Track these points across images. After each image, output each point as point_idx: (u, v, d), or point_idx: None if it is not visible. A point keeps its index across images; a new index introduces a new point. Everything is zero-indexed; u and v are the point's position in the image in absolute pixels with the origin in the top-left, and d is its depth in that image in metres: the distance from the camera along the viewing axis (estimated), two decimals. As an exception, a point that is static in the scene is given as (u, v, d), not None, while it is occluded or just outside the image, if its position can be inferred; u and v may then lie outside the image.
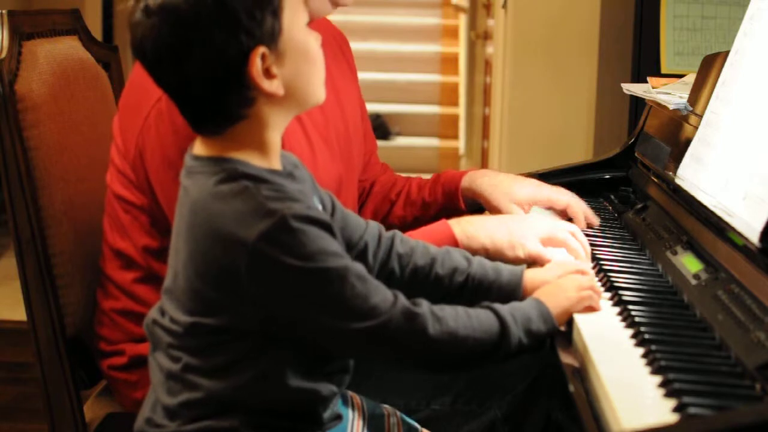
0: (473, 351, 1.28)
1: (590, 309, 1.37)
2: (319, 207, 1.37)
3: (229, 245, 1.21)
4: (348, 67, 1.89)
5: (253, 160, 1.26)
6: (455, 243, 1.57)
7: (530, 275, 1.46)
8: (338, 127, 1.76)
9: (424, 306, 1.28)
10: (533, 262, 1.57)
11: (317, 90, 1.31)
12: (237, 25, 1.20)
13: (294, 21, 1.26)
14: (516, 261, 1.57)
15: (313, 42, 1.29)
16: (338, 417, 1.38)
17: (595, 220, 1.79)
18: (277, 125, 1.29)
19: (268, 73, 1.24)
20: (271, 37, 1.23)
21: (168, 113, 1.50)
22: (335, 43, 1.87)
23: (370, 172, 1.97)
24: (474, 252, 1.55)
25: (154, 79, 1.27)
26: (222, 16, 1.20)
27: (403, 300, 1.26)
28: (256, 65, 1.22)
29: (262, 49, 1.22)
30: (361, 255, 1.43)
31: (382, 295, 1.25)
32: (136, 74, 1.59)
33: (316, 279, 1.21)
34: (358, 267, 1.25)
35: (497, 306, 1.32)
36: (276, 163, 1.30)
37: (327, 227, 1.24)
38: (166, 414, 1.31)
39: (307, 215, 1.22)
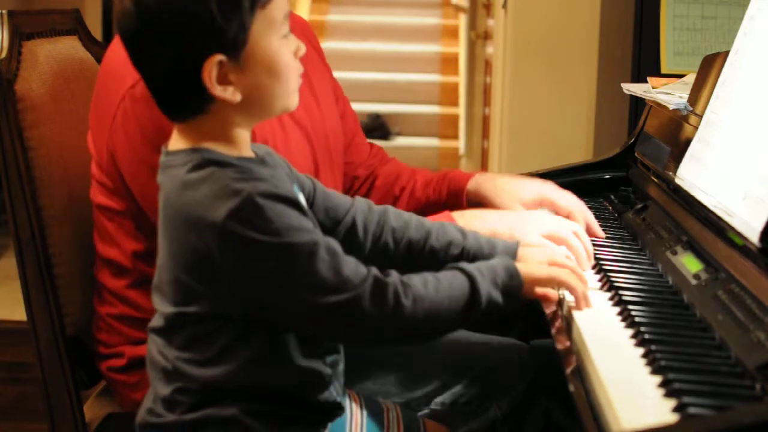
0: (449, 311, 1.30)
1: (572, 289, 1.37)
2: (300, 193, 1.38)
3: (200, 230, 1.23)
4: (315, 52, 1.88)
5: (220, 149, 1.29)
6: None
7: (524, 252, 1.47)
8: (311, 109, 1.75)
9: (394, 275, 1.29)
10: None
11: (285, 99, 1.32)
12: (197, 29, 1.23)
13: (265, 35, 1.27)
14: None
15: (285, 56, 1.29)
16: (340, 407, 1.39)
17: (599, 233, 1.73)
18: (242, 125, 1.31)
19: (225, 79, 1.26)
20: (233, 47, 1.25)
21: (132, 112, 1.52)
22: (301, 32, 1.87)
23: (357, 154, 1.94)
24: None
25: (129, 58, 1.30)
26: (183, 20, 1.22)
27: (375, 273, 1.28)
28: (209, 72, 1.24)
29: (219, 57, 1.24)
30: (350, 231, 1.45)
31: (353, 268, 1.26)
32: (98, 85, 1.62)
33: (285, 254, 1.23)
34: (330, 241, 1.27)
35: (462, 264, 1.35)
36: (246, 153, 1.32)
37: (294, 204, 1.26)
38: (164, 405, 1.32)
39: (272, 192, 1.24)
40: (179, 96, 1.28)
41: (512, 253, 1.45)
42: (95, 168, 1.63)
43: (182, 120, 1.30)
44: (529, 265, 1.38)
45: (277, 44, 1.28)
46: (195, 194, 1.24)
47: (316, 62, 1.86)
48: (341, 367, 1.39)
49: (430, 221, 1.49)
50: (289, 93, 1.32)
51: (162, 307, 1.32)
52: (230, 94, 1.26)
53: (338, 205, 1.46)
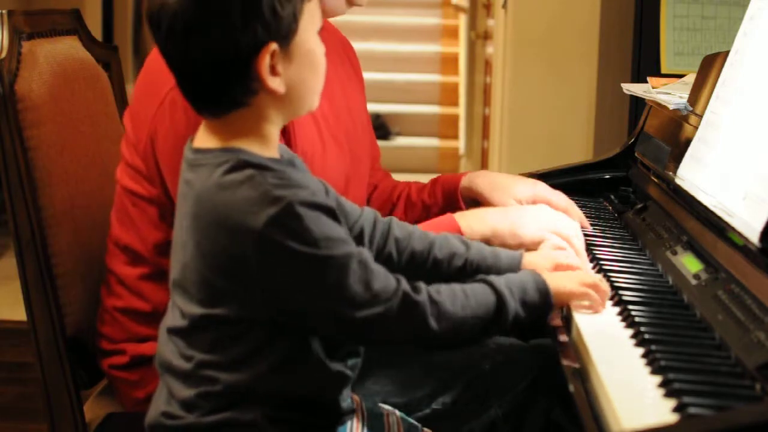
0: (473, 328, 1.31)
1: (591, 307, 1.38)
2: None
3: (237, 234, 1.22)
4: (354, 72, 1.91)
5: (254, 149, 1.28)
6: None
7: (528, 258, 1.48)
8: (348, 126, 1.77)
9: (423, 292, 1.29)
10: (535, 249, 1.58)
11: (314, 97, 1.34)
12: (258, 16, 1.23)
13: (308, 27, 1.29)
14: (518, 249, 1.57)
15: (320, 51, 1.32)
16: (352, 411, 1.40)
17: (588, 227, 1.77)
18: (275, 121, 1.31)
19: (273, 70, 1.26)
20: (285, 37, 1.26)
21: (182, 101, 1.51)
22: (342, 49, 1.89)
23: (374, 176, 1.98)
24: None
25: (162, 52, 1.28)
26: (245, 4, 1.22)
27: (405, 287, 1.28)
28: (265, 60, 1.25)
29: (273, 46, 1.25)
30: (356, 240, 1.44)
31: (384, 282, 1.27)
32: (151, 62, 1.61)
33: (320, 265, 1.23)
34: (362, 252, 1.27)
35: (493, 278, 1.35)
36: (275, 153, 1.32)
37: (332, 213, 1.26)
38: (182, 406, 1.31)
39: (312, 201, 1.24)
40: (225, 87, 1.26)
41: (516, 265, 1.46)
42: (127, 148, 1.62)
43: (218, 115, 1.29)
44: (560, 281, 1.38)
45: (315, 39, 1.31)
46: (232, 197, 1.24)
47: (355, 83, 1.89)
48: (357, 371, 1.39)
49: (434, 233, 1.50)
50: (318, 91, 1.33)
51: (186, 306, 1.30)
52: (277, 85, 1.27)
53: (348, 213, 1.46)
